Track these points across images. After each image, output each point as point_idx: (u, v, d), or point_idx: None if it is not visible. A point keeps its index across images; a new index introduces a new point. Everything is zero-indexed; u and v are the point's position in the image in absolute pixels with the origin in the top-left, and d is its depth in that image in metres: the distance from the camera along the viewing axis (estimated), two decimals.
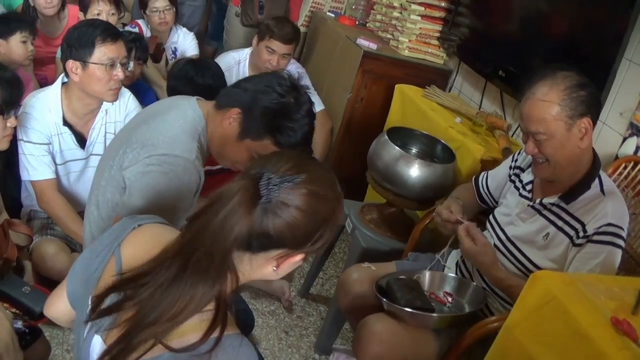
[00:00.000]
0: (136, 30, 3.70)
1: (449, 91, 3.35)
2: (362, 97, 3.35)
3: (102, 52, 2.09)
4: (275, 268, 1.14)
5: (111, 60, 2.11)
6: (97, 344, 1.12)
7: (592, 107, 1.67)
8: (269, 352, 2.47)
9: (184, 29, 3.84)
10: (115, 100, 2.22)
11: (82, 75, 2.12)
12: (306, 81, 3.38)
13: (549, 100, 1.66)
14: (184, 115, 1.67)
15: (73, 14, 3.30)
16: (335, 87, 3.52)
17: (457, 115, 2.80)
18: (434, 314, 1.81)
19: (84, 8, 3.13)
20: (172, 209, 1.57)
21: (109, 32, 2.12)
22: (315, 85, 3.51)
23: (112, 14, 3.17)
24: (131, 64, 2.31)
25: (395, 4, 3.44)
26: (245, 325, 2.28)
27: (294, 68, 3.42)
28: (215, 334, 1.03)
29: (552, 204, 1.79)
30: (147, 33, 3.74)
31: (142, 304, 1.06)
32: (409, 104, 2.97)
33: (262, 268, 1.13)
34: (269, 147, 1.60)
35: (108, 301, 1.12)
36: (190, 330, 1.04)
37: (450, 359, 1.83)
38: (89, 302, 1.16)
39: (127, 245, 1.19)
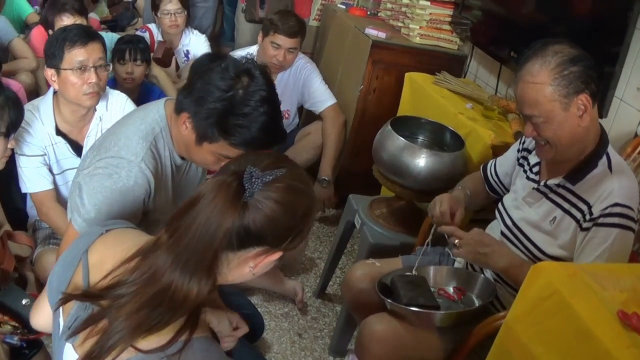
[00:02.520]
0: (146, 34, 3.70)
1: (465, 77, 3.22)
2: (374, 88, 3.24)
3: (72, 57, 2.07)
4: (252, 267, 1.12)
5: (81, 64, 2.07)
6: (69, 351, 1.12)
7: (589, 82, 1.54)
8: (281, 356, 2.40)
9: (196, 32, 3.81)
10: (93, 104, 2.18)
11: (58, 83, 2.10)
12: (312, 75, 3.32)
13: (540, 82, 1.55)
14: (145, 116, 1.61)
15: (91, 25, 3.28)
16: (347, 79, 3.43)
17: (468, 101, 2.67)
18: (436, 312, 1.70)
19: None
20: (120, 213, 1.52)
21: (79, 36, 2.08)
22: (328, 80, 3.44)
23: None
24: (110, 66, 2.25)
25: None
26: (254, 330, 2.22)
27: (302, 63, 3.35)
28: (184, 337, 1.02)
29: (558, 185, 1.68)
30: (158, 37, 3.73)
31: (117, 314, 1.04)
32: (419, 92, 2.86)
33: (239, 268, 1.12)
34: (227, 148, 1.50)
35: (74, 310, 1.12)
36: (160, 332, 1.03)
37: (457, 358, 1.73)
38: (60, 311, 1.16)
39: (93, 252, 1.18)
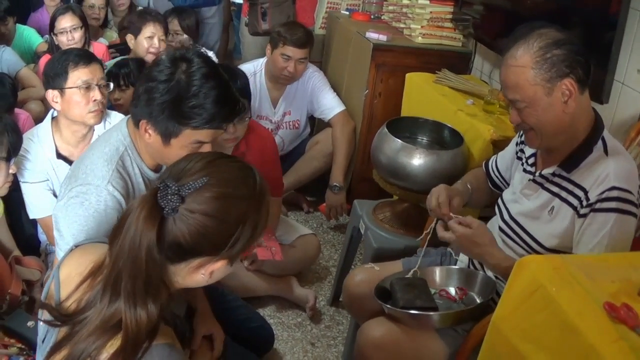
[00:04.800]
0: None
1: (470, 73, 3.16)
2: (379, 92, 3.21)
3: (76, 76, 2.13)
4: (204, 275, 1.13)
5: (86, 83, 2.14)
6: None
7: (574, 66, 1.49)
8: None
9: (203, 49, 3.84)
10: (98, 122, 2.22)
11: (62, 103, 2.16)
12: (321, 83, 3.32)
13: (522, 65, 1.51)
14: (108, 138, 1.63)
15: (98, 51, 3.36)
16: (352, 85, 3.41)
17: (469, 97, 2.62)
18: (433, 313, 1.66)
19: (137, 30, 3.20)
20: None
21: (80, 57, 2.16)
22: (335, 87, 3.44)
23: (162, 39, 3.24)
24: (111, 85, 2.31)
25: None
26: (264, 342, 2.20)
27: (310, 72, 3.36)
28: (145, 344, 1.04)
29: (553, 174, 1.63)
30: None
31: (79, 340, 1.07)
32: (420, 92, 2.82)
33: (191, 276, 1.14)
34: (194, 134, 1.51)
35: (43, 329, 1.18)
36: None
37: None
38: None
39: (63, 268, 1.22)
